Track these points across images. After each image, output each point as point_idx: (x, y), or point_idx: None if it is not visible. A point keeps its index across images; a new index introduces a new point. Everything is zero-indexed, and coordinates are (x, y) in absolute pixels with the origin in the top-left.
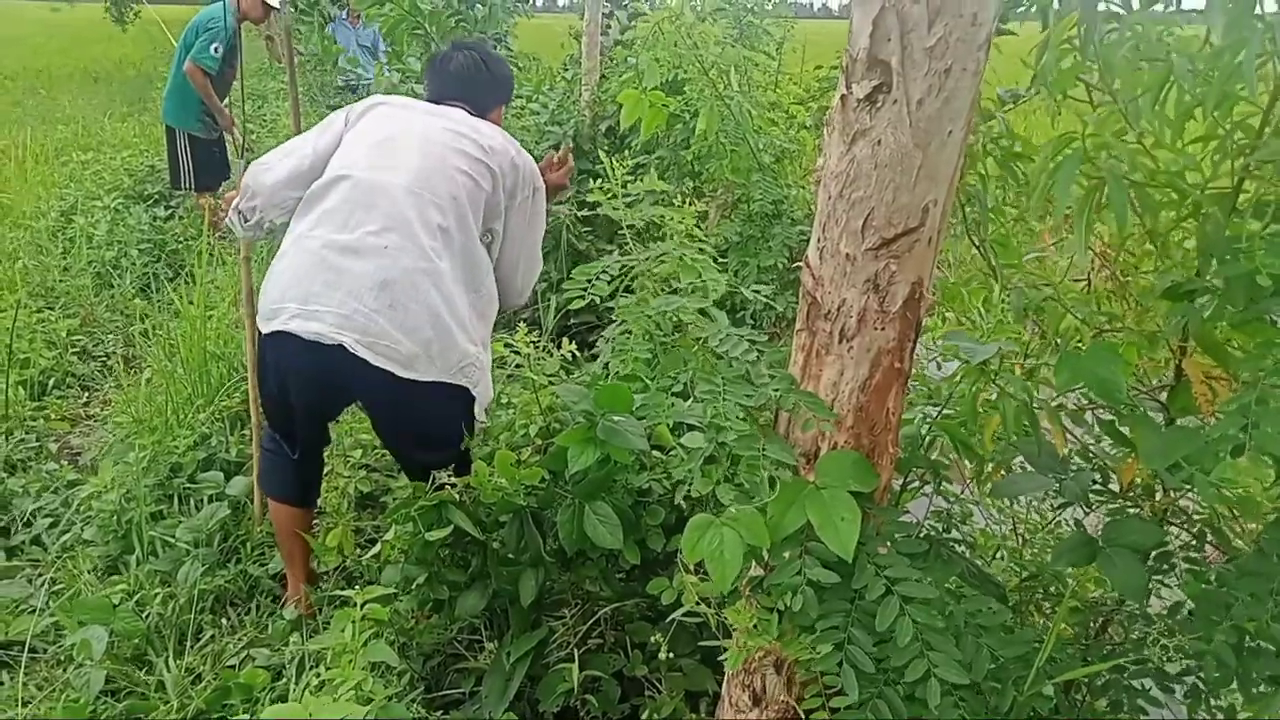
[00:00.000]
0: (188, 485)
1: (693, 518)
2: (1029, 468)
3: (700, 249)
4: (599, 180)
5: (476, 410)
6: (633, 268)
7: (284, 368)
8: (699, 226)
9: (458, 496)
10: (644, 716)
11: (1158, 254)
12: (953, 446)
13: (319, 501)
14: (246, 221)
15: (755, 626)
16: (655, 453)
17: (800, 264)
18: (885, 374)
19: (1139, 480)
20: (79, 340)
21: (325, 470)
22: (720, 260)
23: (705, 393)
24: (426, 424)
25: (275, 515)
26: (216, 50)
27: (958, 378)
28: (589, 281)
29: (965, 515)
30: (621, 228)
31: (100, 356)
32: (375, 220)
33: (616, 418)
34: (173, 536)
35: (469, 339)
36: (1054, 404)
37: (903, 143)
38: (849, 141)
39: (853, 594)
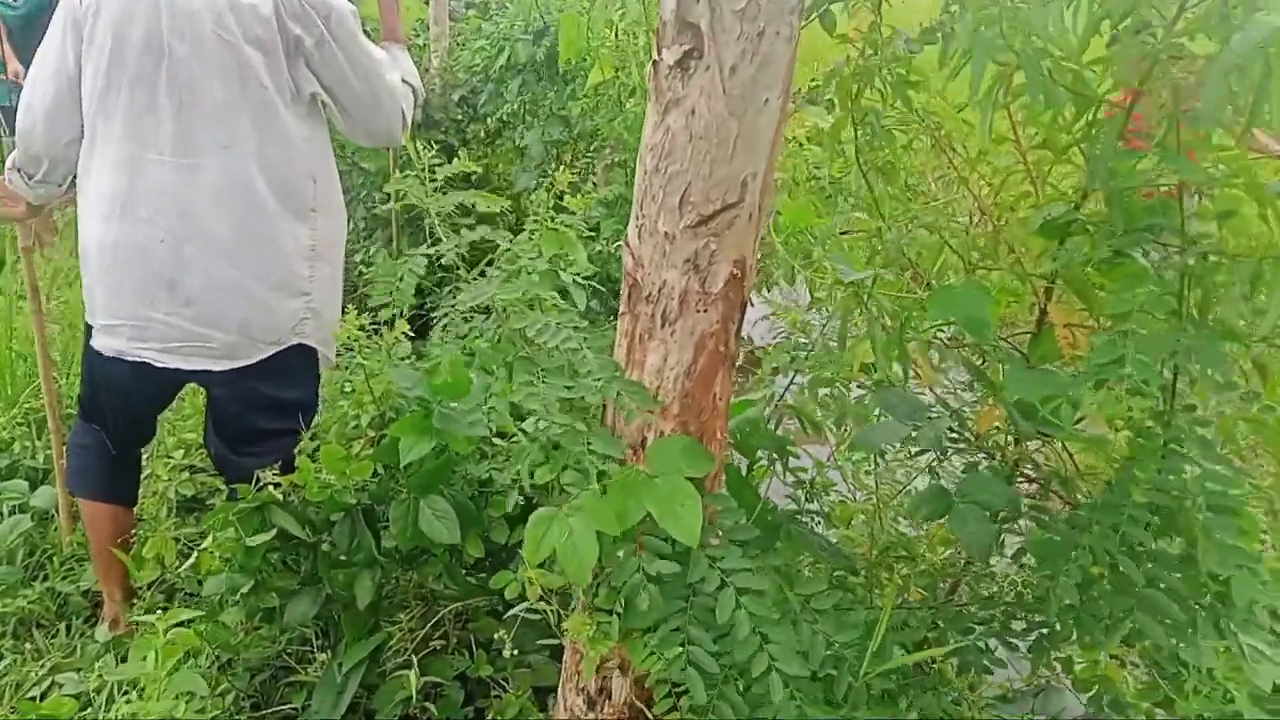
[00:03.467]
0: None
1: (532, 514)
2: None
3: (565, 222)
4: (407, 169)
5: (321, 359)
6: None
7: (98, 375)
8: (567, 195)
9: (283, 497)
10: (489, 718)
11: (1036, 193)
12: (803, 422)
13: (137, 509)
14: (33, 176)
15: (595, 633)
16: (497, 440)
17: (622, 244)
18: (710, 358)
19: (996, 430)
20: None
21: (145, 473)
22: (591, 232)
23: (523, 385)
24: (270, 396)
25: (92, 519)
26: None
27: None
28: (396, 284)
29: (827, 485)
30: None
31: None
32: (144, 205)
33: (453, 404)
34: None
35: (301, 291)
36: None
37: (717, 112)
38: (663, 111)
39: (689, 589)
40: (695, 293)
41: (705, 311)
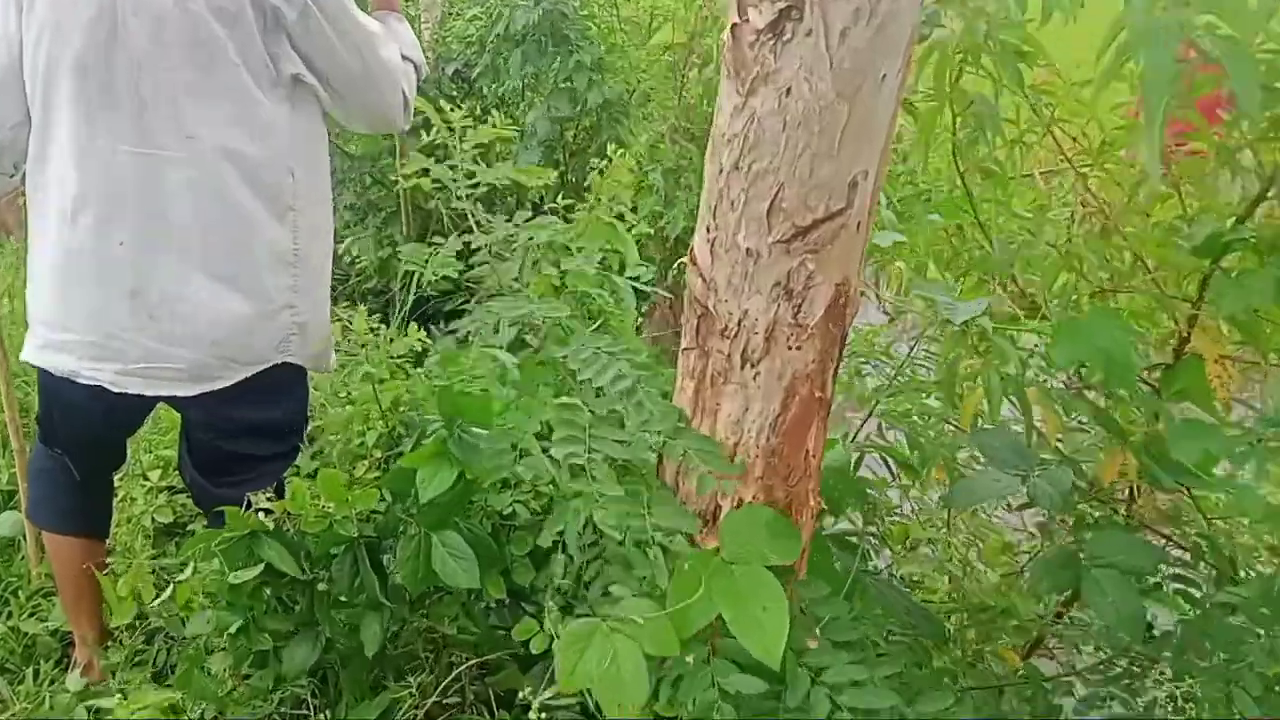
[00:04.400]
0: None
1: (570, 626)
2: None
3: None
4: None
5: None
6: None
7: (53, 396)
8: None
9: (274, 524)
10: None
11: (1180, 198)
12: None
13: (109, 539)
14: None
15: None
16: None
17: (685, 260)
18: (803, 406)
19: (1123, 478)
20: None
21: (117, 497)
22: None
23: (564, 440)
24: (250, 419)
25: (56, 554)
26: None
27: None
28: (424, 263)
29: (890, 508)
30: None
31: None
32: (99, 203)
33: (475, 429)
34: None
35: (285, 304)
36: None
37: (821, 91)
38: (746, 91)
39: (778, 704)
40: (786, 325)
41: (799, 349)
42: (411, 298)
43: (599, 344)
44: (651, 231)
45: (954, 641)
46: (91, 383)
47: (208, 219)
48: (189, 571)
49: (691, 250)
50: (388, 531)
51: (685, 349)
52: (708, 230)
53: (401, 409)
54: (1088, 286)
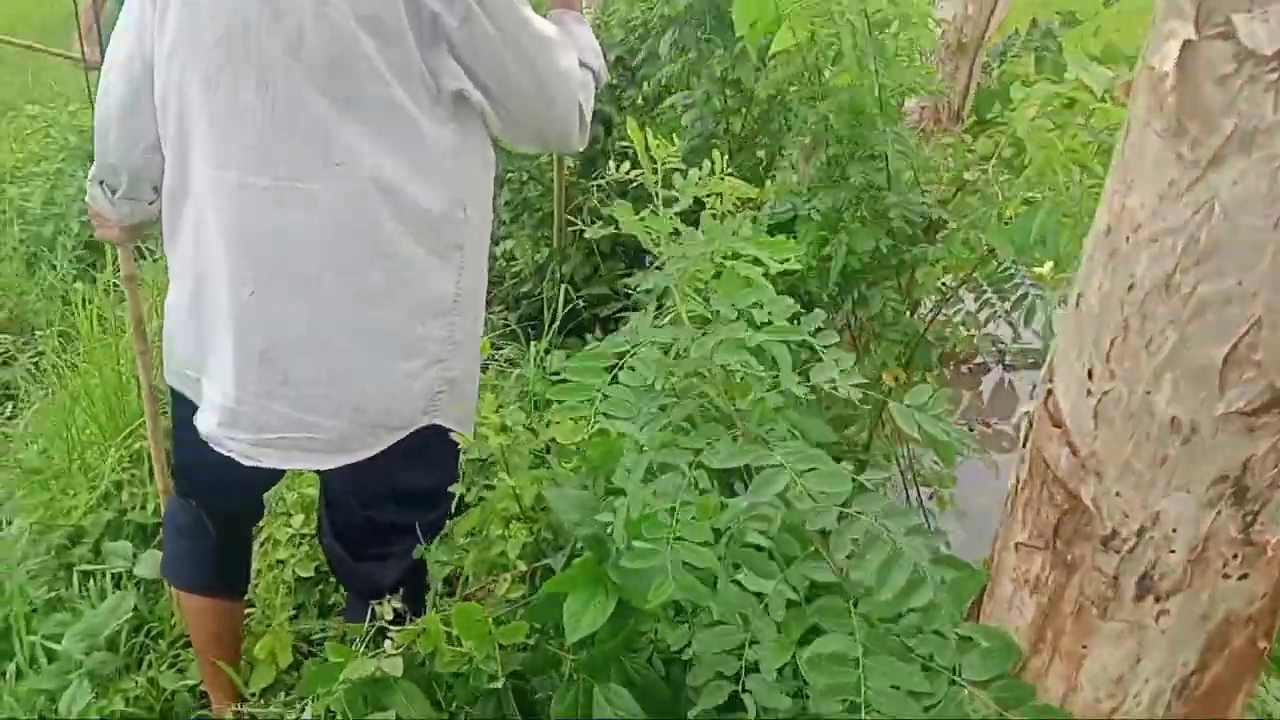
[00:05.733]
0: (89, 560)
1: None
2: None
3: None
4: (622, 167)
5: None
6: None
7: (188, 452)
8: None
9: (406, 651)
10: None
11: None
12: None
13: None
14: (115, 191)
15: None
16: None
17: (1030, 411)
18: (1234, 663)
19: None
20: (3, 340)
21: (258, 539)
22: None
23: (831, 667)
24: (398, 485)
25: (193, 614)
26: None
27: None
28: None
29: None
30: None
31: (34, 356)
32: (223, 244)
33: (639, 544)
34: (58, 643)
35: (436, 357)
36: None
37: None
38: (1203, 161)
39: None
40: (1227, 541)
41: (1242, 578)
42: (565, 308)
43: (869, 506)
44: (815, 263)
45: None
46: (223, 452)
47: (352, 265)
48: (308, 714)
49: (1050, 399)
50: (537, 669)
51: (1024, 544)
52: (1090, 376)
53: (548, 512)
54: None
